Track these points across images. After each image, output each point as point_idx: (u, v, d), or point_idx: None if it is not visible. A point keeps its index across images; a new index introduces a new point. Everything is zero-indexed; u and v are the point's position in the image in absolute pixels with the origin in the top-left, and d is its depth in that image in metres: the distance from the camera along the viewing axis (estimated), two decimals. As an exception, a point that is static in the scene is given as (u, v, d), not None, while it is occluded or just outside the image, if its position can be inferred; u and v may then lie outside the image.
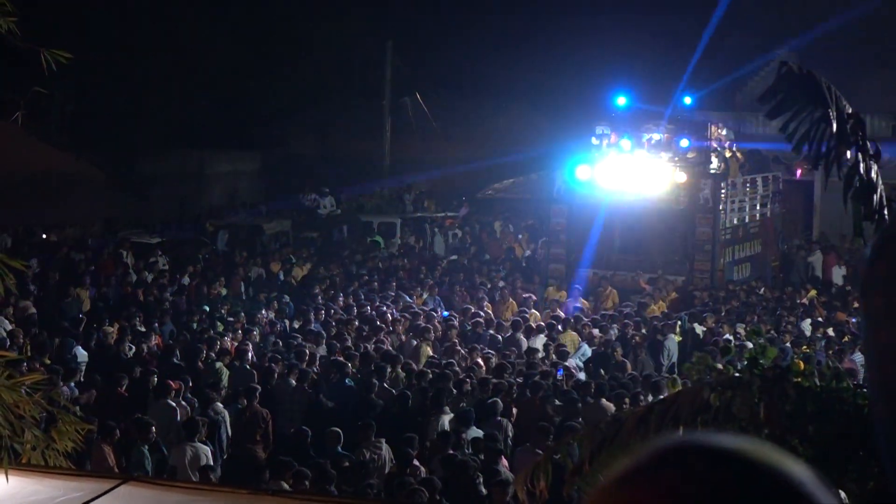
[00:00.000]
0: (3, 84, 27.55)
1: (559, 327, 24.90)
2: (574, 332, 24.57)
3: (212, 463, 16.13)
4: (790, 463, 1.66)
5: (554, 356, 22.44)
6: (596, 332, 24.55)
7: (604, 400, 18.65)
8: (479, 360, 21.77)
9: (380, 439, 16.73)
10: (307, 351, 21.57)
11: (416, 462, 15.79)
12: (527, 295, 29.16)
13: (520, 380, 20.23)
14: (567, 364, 21.75)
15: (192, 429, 16.61)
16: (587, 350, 23.33)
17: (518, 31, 53.60)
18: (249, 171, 52.50)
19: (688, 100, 34.15)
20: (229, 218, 41.55)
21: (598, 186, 31.80)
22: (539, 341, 23.84)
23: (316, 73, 53.93)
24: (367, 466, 16.11)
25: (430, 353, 22.73)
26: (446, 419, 17.95)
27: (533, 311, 27.39)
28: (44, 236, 35.20)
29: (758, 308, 27.81)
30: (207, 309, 26.44)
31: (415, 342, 23.44)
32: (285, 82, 53.36)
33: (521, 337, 24.09)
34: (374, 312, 26.14)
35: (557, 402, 18.87)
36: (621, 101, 33.91)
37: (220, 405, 18.48)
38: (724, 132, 34.10)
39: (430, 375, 20.13)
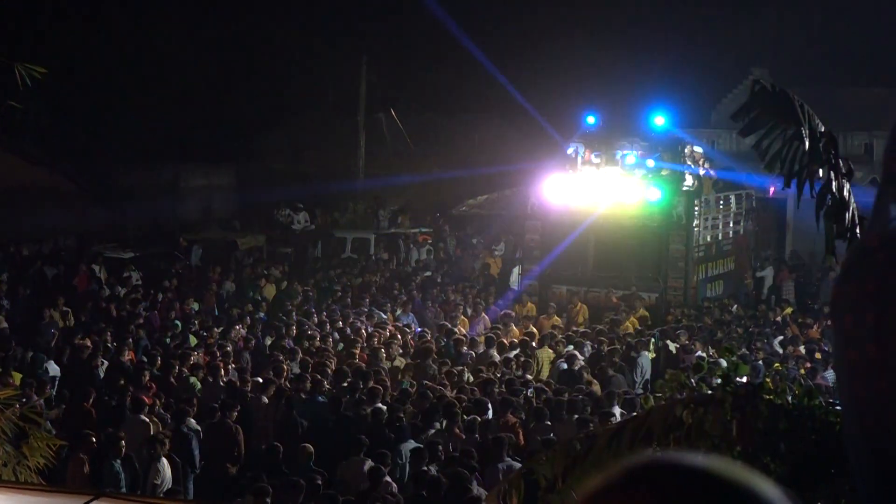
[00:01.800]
0: (-23, 98, 27.43)
1: (533, 343, 24.91)
2: (550, 349, 24.58)
3: (167, 480, 16.12)
4: (760, 482, 1.67)
5: (524, 372, 22.49)
6: (570, 348, 24.59)
7: (577, 416, 18.66)
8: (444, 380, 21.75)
9: (366, 458, 16.69)
10: (283, 367, 21.58)
11: (387, 479, 15.78)
12: (506, 312, 29.14)
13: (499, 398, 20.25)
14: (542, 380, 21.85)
15: (154, 446, 16.54)
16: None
17: (492, 48, 53.67)
18: (224, 185, 52.37)
19: (659, 119, 34.19)
20: (203, 232, 41.46)
21: (571, 203, 31.84)
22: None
23: (290, 89, 53.92)
24: (342, 483, 16.11)
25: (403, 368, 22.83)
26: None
27: (513, 328, 27.37)
28: (25, 252, 35.02)
29: (731, 325, 27.90)
30: (179, 325, 26.39)
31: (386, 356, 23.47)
32: (260, 97, 53.33)
33: (494, 353, 24.09)
34: (347, 328, 26.12)
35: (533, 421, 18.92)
36: (592, 117, 34.01)
37: (192, 421, 18.43)
38: (698, 150, 34.18)
39: (413, 393, 20.23)
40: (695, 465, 1.66)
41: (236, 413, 18.56)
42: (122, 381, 20.46)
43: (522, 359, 23.36)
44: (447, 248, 41.99)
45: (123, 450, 16.47)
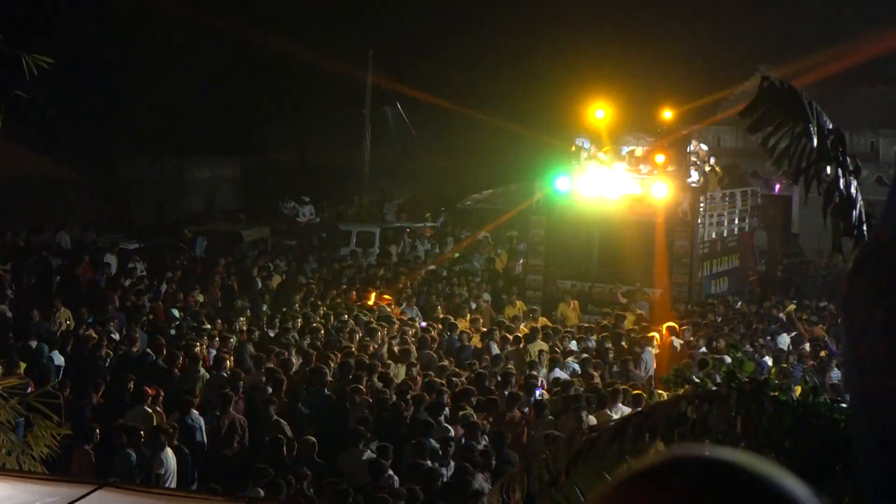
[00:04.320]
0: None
1: (529, 336, 24.90)
2: (543, 343, 24.55)
3: (171, 470, 16.13)
4: (796, 483, 1.68)
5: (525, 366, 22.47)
6: (573, 344, 24.61)
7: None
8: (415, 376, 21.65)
9: (365, 449, 16.69)
10: (291, 360, 21.61)
11: (390, 472, 15.77)
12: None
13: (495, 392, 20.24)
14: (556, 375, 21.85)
15: (158, 436, 16.52)
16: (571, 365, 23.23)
17: (499, 42, 53.68)
18: (229, 177, 52.44)
19: (666, 114, 34.16)
20: (208, 224, 41.46)
21: (577, 198, 31.81)
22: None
23: (296, 82, 53.93)
24: (340, 474, 16.11)
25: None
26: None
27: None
28: (21, 243, 34.93)
29: (735, 322, 27.87)
30: (176, 314, 26.44)
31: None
32: (266, 90, 53.35)
33: (494, 347, 24.14)
34: (351, 321, 26.09)
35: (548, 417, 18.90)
36: (599, 113, 33.98)
37: (196, 412, 18.42)
38: (701, 147, 34.16)
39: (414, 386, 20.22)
40: (731, 461, 1.67)
41: (234, 403, 18.58)
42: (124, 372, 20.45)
43: (549, 355, 23.32)
44: (448, 243, 41.89)
45: (142, 440, 16.48)
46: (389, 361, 22.47)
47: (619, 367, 22.98)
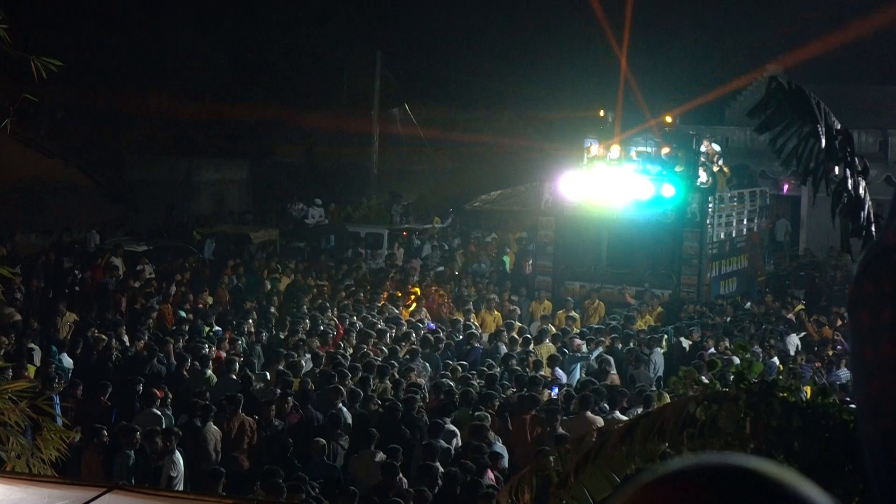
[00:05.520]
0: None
1: (537, 338, 24.91)
2: (551, 344, 24.54)
3: (182, 473, 16.15)
4: (818, 492, 1.68)
5: (531, 366, 22.47)
6: (583, 344, 24.57)
7: (589, 413, 18.62)
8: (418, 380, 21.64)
9: (377, 451, 16.70)
10: (301, 363, 21.60)
11: (399, 474, 15.78)
12: (512, 308, 29.19)
13: (512, 390, 20.29)
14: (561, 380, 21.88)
15: (169, 438, 16.53)
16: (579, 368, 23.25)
17: (506, 43, 53.67)
18: (237, 179, 52.41)
19: (668, 116, 34.16)
20: (216, 226, 41.48)
21: (585, 199, 31.78)
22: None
23: (304, 83, 53.95)
24: (353, 477, 16.13)
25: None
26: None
27: (516, 323, 27.33)
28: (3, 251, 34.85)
29: (744, 322, 27.80)
30: (183, 315, 26.47)
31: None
32: (274, 91, 53.38)
33: (503, 348, 24.12)
34: (360, 323, 26.07)
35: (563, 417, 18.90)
36: (602, 113, 33.92)
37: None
38: (713, 146, 34.08)
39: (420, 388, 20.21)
40: (761, 471, 1.68)
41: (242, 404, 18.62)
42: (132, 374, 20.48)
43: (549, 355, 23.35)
44: (453, 245, 41.77)
45: (139, 442, 16.50)
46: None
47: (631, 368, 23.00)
